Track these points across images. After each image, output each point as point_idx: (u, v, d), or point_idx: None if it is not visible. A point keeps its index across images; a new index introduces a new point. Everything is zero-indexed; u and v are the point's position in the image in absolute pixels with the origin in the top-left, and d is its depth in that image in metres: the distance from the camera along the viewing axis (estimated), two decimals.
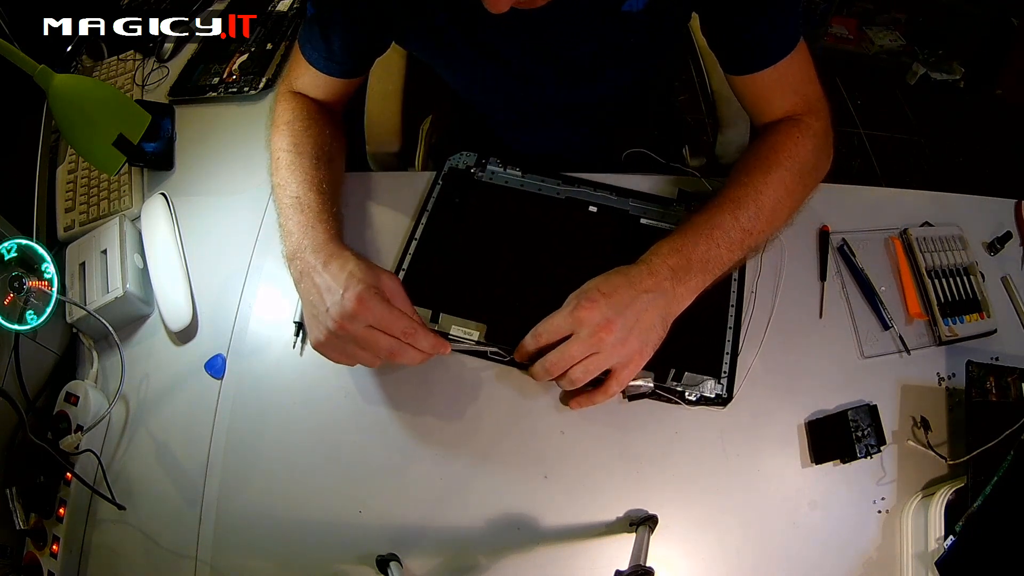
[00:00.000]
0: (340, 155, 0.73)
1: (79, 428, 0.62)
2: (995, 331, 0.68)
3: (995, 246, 0.74)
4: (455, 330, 0.65)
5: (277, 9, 1.00)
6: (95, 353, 0.69)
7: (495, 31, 0.64)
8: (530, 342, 0.58)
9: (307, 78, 0.72)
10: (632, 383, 0.61)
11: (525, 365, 0.63)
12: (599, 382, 0.58)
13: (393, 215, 0.75)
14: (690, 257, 0.58)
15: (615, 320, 0.55)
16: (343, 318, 0.54)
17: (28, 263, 0.61)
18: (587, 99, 0.76)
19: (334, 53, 0.68)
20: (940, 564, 0.54)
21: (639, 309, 0.56)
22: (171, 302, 0.69)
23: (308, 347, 0.67)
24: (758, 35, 0.61)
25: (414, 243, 0.71)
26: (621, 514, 0.59)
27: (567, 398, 0.61)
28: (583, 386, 0.58)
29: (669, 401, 0.62)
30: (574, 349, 0.55)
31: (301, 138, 0.68)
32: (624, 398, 0.62)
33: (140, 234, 0.74)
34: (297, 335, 0.67)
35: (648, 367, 0.62)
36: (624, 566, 0.49)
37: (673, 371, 0.63)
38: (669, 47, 0.77)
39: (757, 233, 0.60)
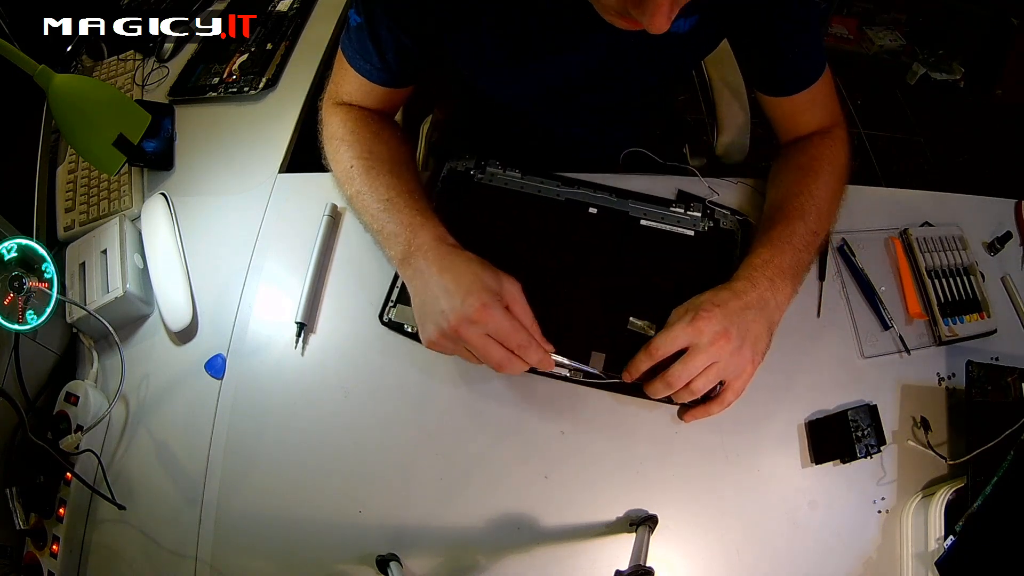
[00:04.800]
0: (413, 159, 0.71)
1: (79, 428, 0.62)
2: (995, 331, 0.68)
3: (995, 246, 0.74)
4: None
5: (277, 9, 1.00)
6: (95, 353, 0.69)
7: (544, 47, 0.65)
8: (643, 359, 0.58)
9: (355, 90, 0.70)
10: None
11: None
12: (707, 397, 0.59)
13: None
14: (781, 266, 0.61)
15: (731, 329, 0.56)
16: (461, 322, 0.54)
17: (28, 263, 0.61)
18: (615, 100, 0.76)
19: (386, 62, 0.66)
20: (940, 564, 0.54)
21: (748, 320, 0.57)
22: (171, 302, 0.69)
23: (309, 348, 0.67)
24: (797, 60, 0.66)
25: None
26: (621, 514, 0.59)
27: (681, 412, 0.61)
28: (694, 399, 0.58)
29: (672, 401, 0.62)
30: (697, 360, 0.56)
31: (372, 144, 0.67)
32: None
33: (140, 234, 0.74)
34: (299, 336, 0.67)
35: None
36: (624, 566, 0.50)
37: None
38: (702, 58, 0.82)
39: (821, 233, 0.65)
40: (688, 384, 0.56)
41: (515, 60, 0.67)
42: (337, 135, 0.69)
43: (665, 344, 0.57)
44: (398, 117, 0.94)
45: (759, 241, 0.64)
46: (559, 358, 0.58)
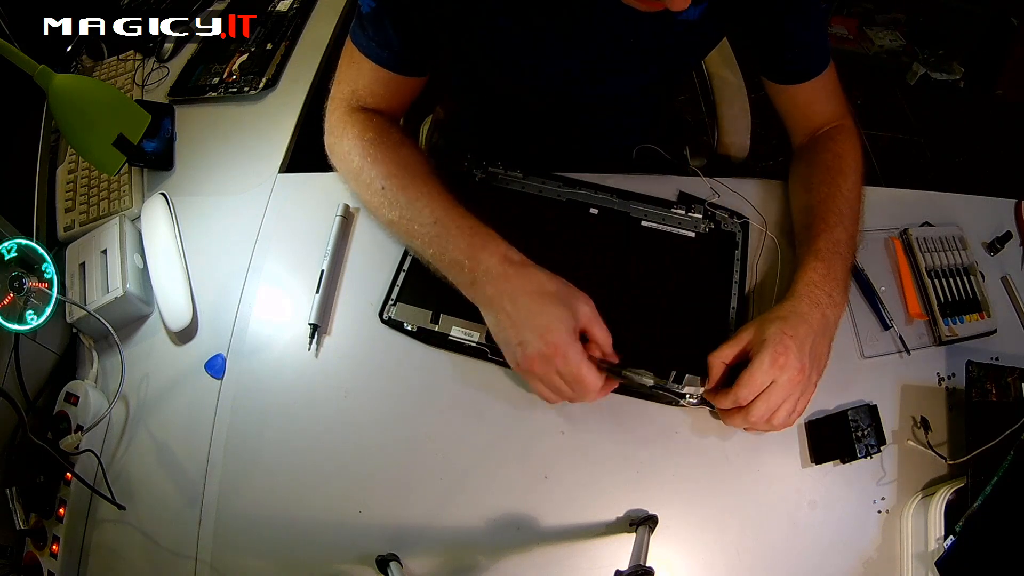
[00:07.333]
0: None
1: (79, 428, 0.62)
2: (995, 331, 0.68)
3: (995, 246, 0.74)
4: (456, 331, 0.65)
5: (277, 9, 1.00)
6: (95, 353, 0.69)
7: (559, 32, 0.65)
8: (730, 402, 0.58)
9: (372, 82, 0.68)
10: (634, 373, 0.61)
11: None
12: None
13: None
14: (837, 279, 0.62)
15: (804, 362, 0.56)
16: (533, 361, 0.55)
17: (28, 263, 0.61)
18: (622, 91, 0.76)
19: (406, 45, 0.65)
20: (940, 564, 0.54)
21: (815, 343, 0.58)
22: (171, 302, 0.69)
23: (324, 349, 0.67)
24: (807, 48, 0.68)
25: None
26: (621, 514, 0.59)
27: (749, 430, 0.61)
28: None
29: (670, 403, 0.62)
30: (776, 396, 0.56)
31: (397, 155, 0.65)
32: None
33: (140, 234, 0.74)
34: (312, 337, 0.66)
35: (649, 368, 0.62)
36: (624, 566, 0.49)
37: (674, 373, 0.63)
38: (706, 51, 0.82)
39: (857, 235, 0.67)
40: (768, 419, 0.57)
41: (519, 47, 0.67)
42: (357, 150, 0.66)
43: (752, 390, 0.56)
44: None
45: (809, 252, 0.63)
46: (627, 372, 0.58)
